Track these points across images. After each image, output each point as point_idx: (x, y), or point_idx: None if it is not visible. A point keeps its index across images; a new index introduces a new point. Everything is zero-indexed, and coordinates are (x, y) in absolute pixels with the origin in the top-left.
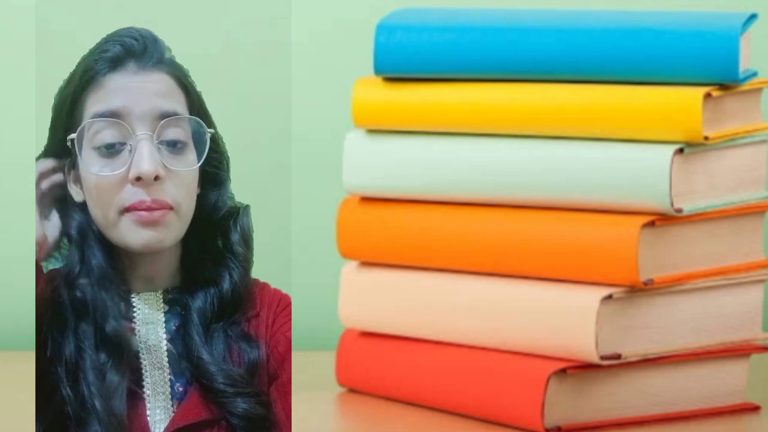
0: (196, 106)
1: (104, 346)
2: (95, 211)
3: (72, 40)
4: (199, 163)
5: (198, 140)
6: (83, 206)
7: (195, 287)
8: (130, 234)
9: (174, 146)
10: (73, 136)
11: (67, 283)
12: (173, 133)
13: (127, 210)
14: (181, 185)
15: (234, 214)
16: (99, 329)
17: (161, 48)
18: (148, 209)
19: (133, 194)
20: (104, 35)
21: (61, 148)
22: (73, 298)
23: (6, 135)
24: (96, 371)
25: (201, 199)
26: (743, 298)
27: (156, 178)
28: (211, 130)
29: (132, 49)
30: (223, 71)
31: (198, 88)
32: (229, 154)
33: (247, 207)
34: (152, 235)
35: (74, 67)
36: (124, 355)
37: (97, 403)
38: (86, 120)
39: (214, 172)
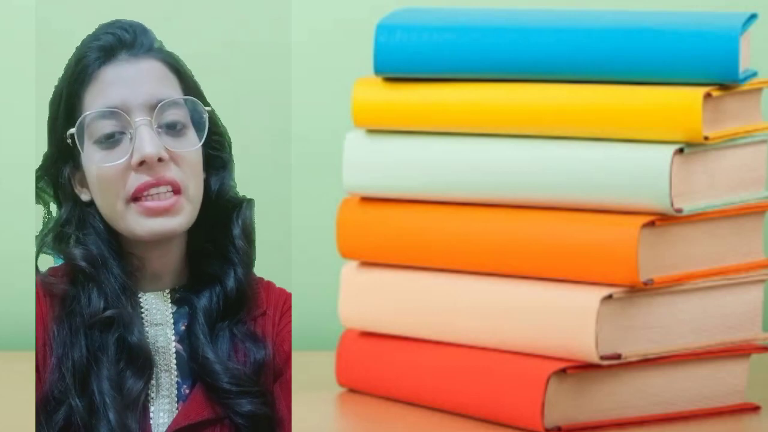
0: (191, 89)
1: (126, 356)
2: (102, 205)
3: (72, 40)
4: (201, 142)
5: (197, 121)
6: (91, 205)
7: (201, 285)
8: (138, 223)
9: (174, 128)
10: (72, 131)
11: (92, 264)
12: (171, 116)
13: (134, 199)
14: (186, 167)
15: (237, 207)
16: (121, 339)
17: (151, 38)
18: (156, 195)
19: (137, 180)
20: None
21: (62, 148)
22: (89, 284)
23: (6, 135)
24: (112, 382)
25: (206, 184)
26: (743, 298)
27: (160, 160)
28: (209, 108)
29: (123, 39)
30: (223, 71)
31: (191, 73)
32: (230, 136)
33: (250, 201)
34: (163, 222)
35: (67, 63)
36: (147, 365)
37: (111, 415)
38: (85, 114)
39: (216, 154)
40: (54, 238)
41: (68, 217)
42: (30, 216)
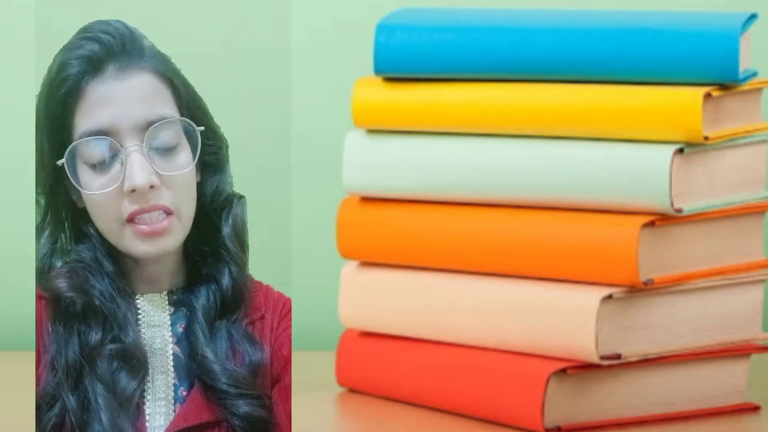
0: (184, 98)
1: (121, 356)
2: (99, 223)
3: None
4: (194, 164)
5: (191, 136)
6: (86, 213)
7: (197, 284)
8: (134, 245)
9: (166, 148)
10: (61, 161)
11: (80, 290)
12: (164, 137)
13: (129, 221)
14: (178, 188)
15: (228, 205)
16: (115, 339)
17: (139, 42)
18: (150, 218)
19: (130, 206)
20: None
21: (52, 167)
22: (86, 306)
23: (6, 135)
24: (105, 383)
25: (201, 187)
26: (743, 298)
27: (151, 187)
28: (201, 128)
29: (110, 49)
30: (223, 71)
31: (185, 80)
32: (227, 138)
33: (242, 198)
34: (156, 245)
35: (49, 66)
36: (142, 366)
37: (103, 416)
38: (75, 139)
39: (212, 159)
40: (48, 255)
41: (62, 228)
42: (30, 216)
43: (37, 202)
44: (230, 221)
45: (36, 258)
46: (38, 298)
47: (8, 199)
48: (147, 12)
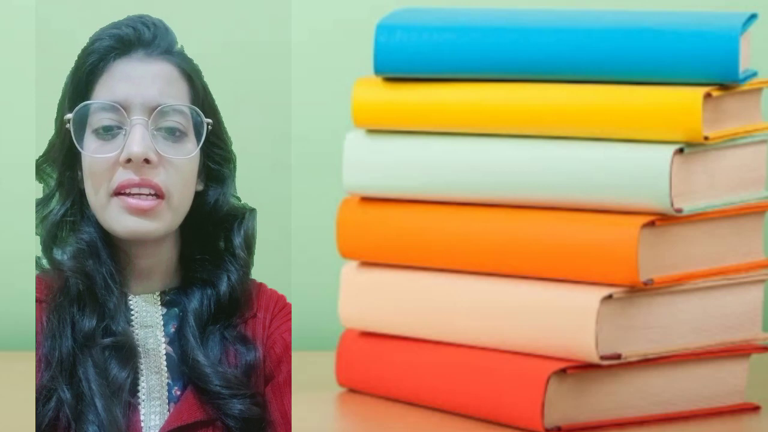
0: (200, 98)
1: (111, 345)
2: (90, 194)
3: (72, 40)
4: (195, 152)
5: (198, 131)
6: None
7: (192, 287)
8: (117, 219)
9: (172, 134)
10: (69, 116)
11: (81, 273)
12: (171, 121)
13: (116, 193)
14: (175, 174)
15: (240, 216)
16: (106, 328)
17: (171, 39)
18: (138, 195)
19: (122, 175)
20: None
21: (67, 133)
22: (82, 295)
23: (6, 135)
24: (99, 369)
25: (202, 196)
26: (743, 298)
27: (147, 161)
28: (209, 120)
29: (142, 37)
30: (223, 71)
31: (205, 83)
32: (236, 154)
33: (253, 211)
34: (140, 223)
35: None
36: (131, 356)
37: (98, 402)
38: (84, 103)
39: (216, 168)
40: (55, 228)
41: (70, 205)
42: (30, 216)
43: (46, 172)
44: (242, 233)
45: (42, 229)
46: (37, 301)
47: (8, 199)
48: (147, 12)
